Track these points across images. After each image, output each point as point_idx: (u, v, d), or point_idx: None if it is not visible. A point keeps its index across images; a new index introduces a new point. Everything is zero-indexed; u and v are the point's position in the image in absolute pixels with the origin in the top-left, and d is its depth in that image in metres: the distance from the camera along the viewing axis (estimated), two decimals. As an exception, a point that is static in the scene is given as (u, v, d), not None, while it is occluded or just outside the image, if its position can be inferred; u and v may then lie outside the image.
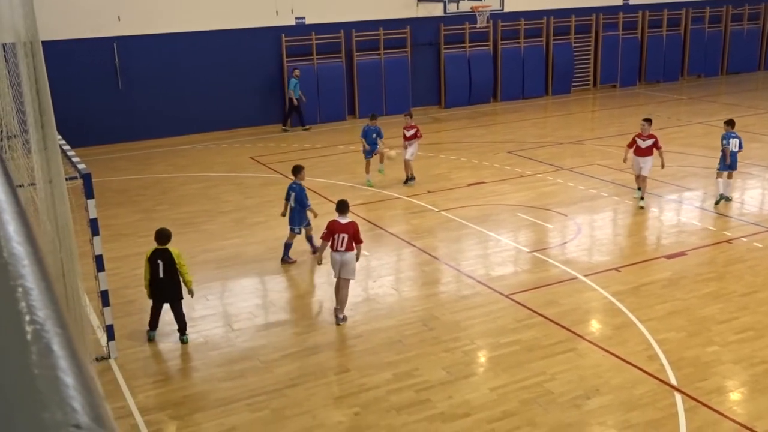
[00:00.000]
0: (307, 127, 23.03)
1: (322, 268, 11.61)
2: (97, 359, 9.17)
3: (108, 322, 9.34)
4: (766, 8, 31.86)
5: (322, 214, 12.08)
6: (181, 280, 9.60)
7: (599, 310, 10.51)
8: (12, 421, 0.62)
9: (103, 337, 9.53)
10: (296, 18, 23.31)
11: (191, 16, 21.96)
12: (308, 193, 12.41)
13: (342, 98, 24.11)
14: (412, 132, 16.51)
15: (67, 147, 9.42)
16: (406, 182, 16.66)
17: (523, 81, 27.08)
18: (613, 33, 28.46)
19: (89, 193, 8.78)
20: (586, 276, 11.48)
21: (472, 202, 15.30)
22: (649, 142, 14.48)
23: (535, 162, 18.35)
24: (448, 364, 9.00)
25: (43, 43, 6.09)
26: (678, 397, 8.17)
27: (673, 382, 8.46)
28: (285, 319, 10.55)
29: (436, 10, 24.94)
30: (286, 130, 23.08)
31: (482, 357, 9.33)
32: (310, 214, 12.20)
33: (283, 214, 12.33)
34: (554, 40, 27.38)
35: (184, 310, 9.81)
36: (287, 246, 12.26)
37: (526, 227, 13.96)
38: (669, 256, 12.24)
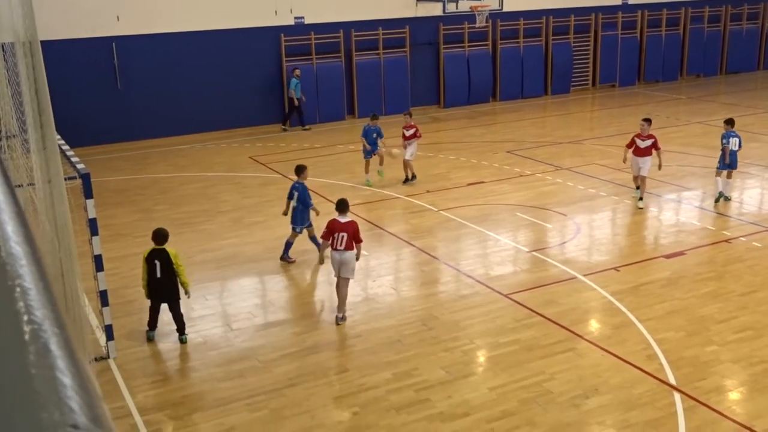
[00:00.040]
0: (307, 127, 23.02)
1: (321, 268, 11.63)
2: (96, 359, 9.16)
3: (107, 322, 9.34)
4: (765, 8, 31.87)
5: (322, 214, 12.08)
6: (178, 280, 9.60)
7: (598, 310, 10.51)
8: (10, 421, 0.61)
9: (102, 337, 9.53)
10: (295, 18, 23.31)
11: (190, 15, 21.96)
12: (309, 192, 12.41)
13: (341, 98, 24.11)
14: (411, 132, 16.52)
15: (65, 147, 9.42)
16: (405, 182, 16.66)
17: (522, 81, 27.08)
18: (612, 32, 28.47)
19: (88, 193, 8.78)
20: (585, 275, 11.49)
21: (471, 201, 15.31)
22: (649, 142, 14.47)
23: (535, 162, 18.36)
24: (448, 364, 9.00)
25: (42, 42, 6.10)
26: (677, 396, 8.17)
27: (672, 381, 8.47)
28: (284, 318, 10.55)
29: (436, 10, 24.93)
30: (285, 130, 23.08)
31: (481, 357, 9.34)
32: (312, 213, 12.23)
33: (285, 213, 12.33)
34: (553, 39, 27.39)
35: (183, 310, 9.81)
36: (288, 244, 12.28)
37: (526, 227, 13.96)
38: (668, 256, 12.25)
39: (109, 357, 9.30)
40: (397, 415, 7.99)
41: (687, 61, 30.43)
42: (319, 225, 11.17)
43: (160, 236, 9.62)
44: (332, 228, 10.03)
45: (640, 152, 14.50)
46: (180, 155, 20.44)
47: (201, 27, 22.08)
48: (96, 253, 9.01)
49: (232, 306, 10.92)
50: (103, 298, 9.24)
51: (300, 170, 12.29)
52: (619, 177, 16.47)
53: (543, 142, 20.53)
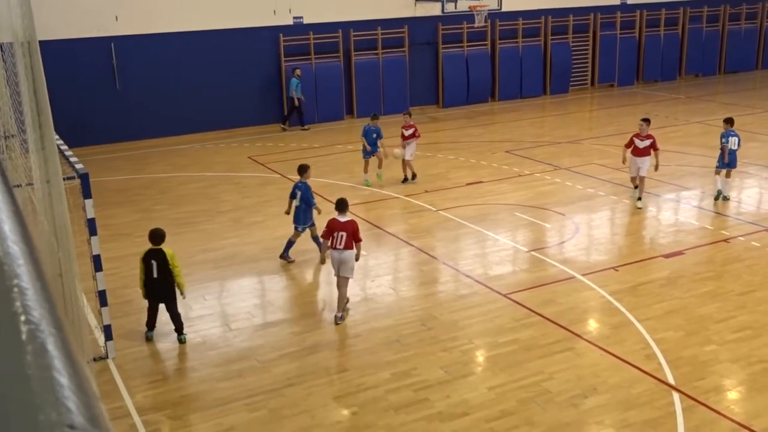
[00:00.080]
0: (307, 127, 23.02)
1: (321, 267, 11.64)
2: (94, 359, 9.17)
3: (106, 322, 9.33)
4: (763, 7, 31.89)
5: (322, 214, 12.08)
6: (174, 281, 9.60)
7: (597, 310, 10.51)
8: (7, 422, 0.61)
9: (100, 337, 9.53)
10: (294, 17, 23.30)
11: (189, 15, 21.95)
12: (312, 192, 12.41)
13: (340, 98, 24.11)
14: (410, 131, 16.52)
15: (64, 147, 9.41)
16: (404, 182, 16.67)
17: (521, 80, 27.09)
18: (610, 32, 28.48)
19: (87, 193, 8.77)
20: (583, 275, 11.49)
21: (470, 201, 15.31)
22: (647, 142, 14.46)
23: (533, 161, 18.36)
24: (447, 364, 9.00)
25: (41, 42, 6.09)
26: (676, 396, 8.17)
27: (671, 381, 8.47)
28: (283, 318, 10.55)
29: (434, 10, 24.92)
30: (284, 130, 23.08)
31: (480, 356, 9.34)
32: (314, 212, 12.24)
33: (288, 212, 12.34)
34: (552, 39, 27.39)
35: (181, 310, 9.81)
36: (289, 243, 12.29)
37: (524, 226, 13.97)
38: (667, 255, 12.25)
39: (107, 357, 9.30)
40: (396, 414, 7.99)
41: (686, 60, 30.45)
42: (320, 225, 11.17)
43: (156, 236, 9.62)
44: (332, 227, 10.06)
45: (639, 152, 14.49)
46: (179, 155, 20.43)
47: (200, 27, 22.07)
48: (95, 253, 9.01)
49: (231, 306, 10.92)
50: (102, 298, 9.23)
51: (303, 170, 12.31)
52: (617, 176, 16.48)
53: (542, 142, 20.53)
